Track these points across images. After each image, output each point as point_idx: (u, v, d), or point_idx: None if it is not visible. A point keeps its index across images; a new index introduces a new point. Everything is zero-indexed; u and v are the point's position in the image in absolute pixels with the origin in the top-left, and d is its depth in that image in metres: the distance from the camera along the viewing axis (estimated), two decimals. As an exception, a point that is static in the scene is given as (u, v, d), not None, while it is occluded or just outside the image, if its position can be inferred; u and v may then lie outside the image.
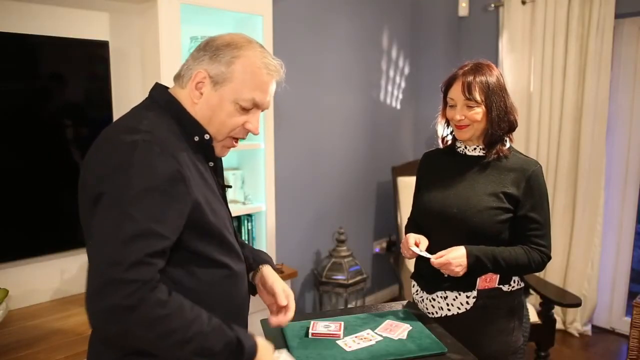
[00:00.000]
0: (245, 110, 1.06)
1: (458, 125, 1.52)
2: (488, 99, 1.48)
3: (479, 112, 1.49)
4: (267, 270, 1.25)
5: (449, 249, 1.49)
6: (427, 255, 1.51)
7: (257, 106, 1.07)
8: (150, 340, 0.85)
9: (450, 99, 1.54)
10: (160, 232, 0.89)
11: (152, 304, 0.84)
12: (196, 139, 1.05)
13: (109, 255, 0.83)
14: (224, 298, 1.07)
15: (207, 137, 1.06)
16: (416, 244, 1.54)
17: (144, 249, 0.85)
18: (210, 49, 1.04)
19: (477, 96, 1.47)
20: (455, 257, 1.46)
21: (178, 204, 0.93)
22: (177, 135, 1.01)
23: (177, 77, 1.09)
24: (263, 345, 1.00)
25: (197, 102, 1.05)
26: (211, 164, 1.10)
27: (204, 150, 1.07)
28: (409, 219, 1.77)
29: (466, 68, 1.52)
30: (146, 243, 0.86)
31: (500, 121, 1.50)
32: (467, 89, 1.48)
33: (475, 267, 1.48)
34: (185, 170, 0.95)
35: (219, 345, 0.91)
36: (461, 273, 1.47)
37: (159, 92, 1.09)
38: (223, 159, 1.20)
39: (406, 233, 1.72)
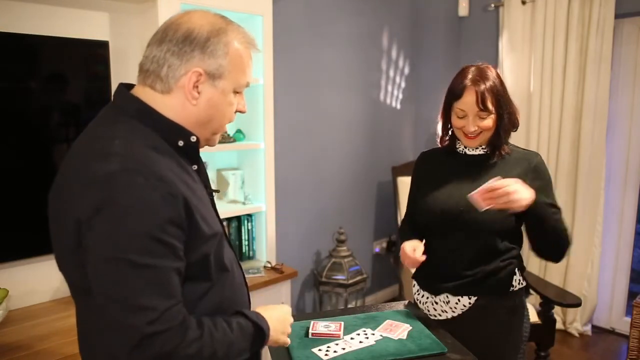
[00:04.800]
0: (238, 93, 1.01)
1: (470, 135, 1.50)
2: (499, 106, 1.47)
3: (491, 119, 1.48)
4: None
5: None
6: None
7: (247, 86, 1.02)
8: None
9: (460, 110, 1.49)
10: (174, 266, 0.86)
11: (188, 343, 0.86)
12: (180, 143, 0.96)
13: (136, 311, 0.82)
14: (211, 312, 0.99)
15: (193, 139, 0.97)
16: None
17: (167, 294, 0.85)
18: (196, 42, 0.93)
19: (491, 106, 1.46)
20: (516, 183, 1.36)
21: (177, 228, 0.86)
22: (156, 147, 0.91)
23: (155, 80, 0.96)
24: (272, 318, 1.06)
25: (195, 104, 0.95)
26: (195, 167, 1.01)
27: (188, 154, 0.98)
28: (402, 221, 1.76)
29: (471, 76, 1.47)
30: (166, 286, 0.85)
31: (510, 125, 1.52)
32: (482, 100, 1.44)
33: (536, 209, 1.40)
34: (175, 188, 0.87)
35: (246, 342, 0.98)
36: (524, 203, 1.36)
37: (124, 99, 0.97)
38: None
39: (400, 236, 1.70)
